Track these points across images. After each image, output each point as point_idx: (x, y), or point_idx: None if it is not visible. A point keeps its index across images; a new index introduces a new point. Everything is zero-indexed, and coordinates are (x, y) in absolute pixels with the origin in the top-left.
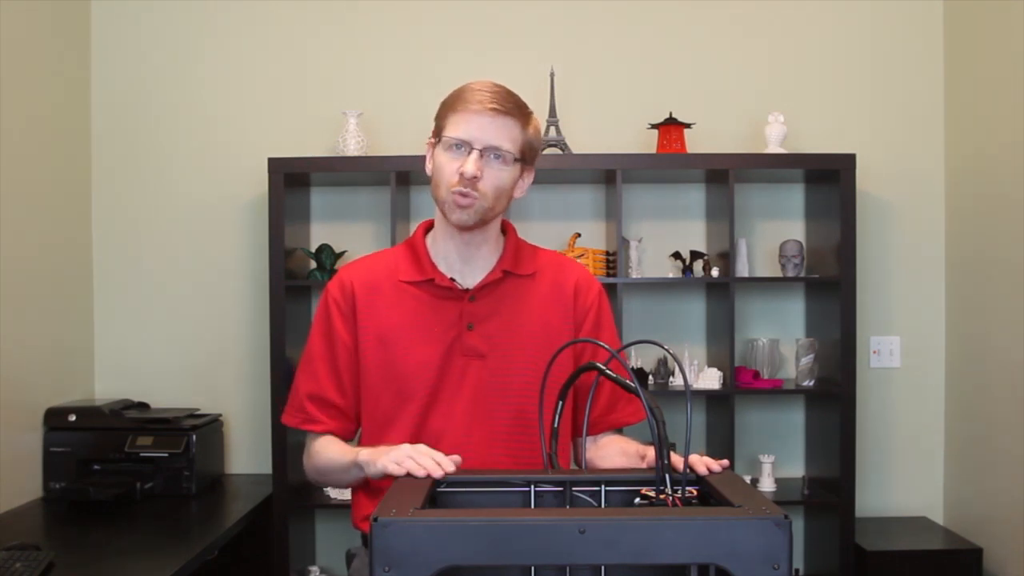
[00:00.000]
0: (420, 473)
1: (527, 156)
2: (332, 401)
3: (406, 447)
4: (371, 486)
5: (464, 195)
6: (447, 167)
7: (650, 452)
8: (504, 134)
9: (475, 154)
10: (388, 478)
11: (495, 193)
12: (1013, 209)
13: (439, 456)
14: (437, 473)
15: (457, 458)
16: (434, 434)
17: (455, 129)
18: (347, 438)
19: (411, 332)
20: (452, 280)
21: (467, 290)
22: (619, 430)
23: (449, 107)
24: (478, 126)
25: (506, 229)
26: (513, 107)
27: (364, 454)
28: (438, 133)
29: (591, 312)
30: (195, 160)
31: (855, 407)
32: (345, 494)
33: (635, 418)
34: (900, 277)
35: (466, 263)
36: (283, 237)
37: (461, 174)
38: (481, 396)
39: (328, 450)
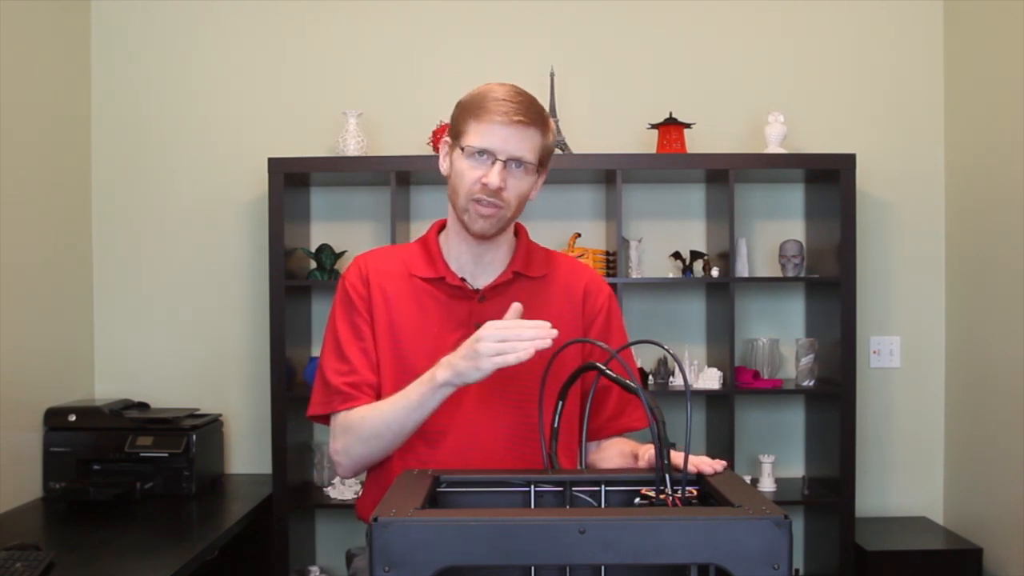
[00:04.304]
0: (527, 355)
1: (545, 162)
2: (366, 379)
3: (489, 334)
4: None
5: (488, 205)
6: (468, 175)
7: (642, 450)
8: (527, 145)
9: (498, 165)
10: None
11: (517, 202)
12: (1013, 209)
13: (525, 332)
14: (543, 344)
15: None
16: (438, 433)
17: (477, 138)
18: None
19: (420, 328)
20: (463, 280)
21: (477, 290)
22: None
23: (470, 113)
24: (502, 137)
25: (518, 231)
26: (536, 117)
27: (441, 372)
28: (456, 136)
29: (600, 315)
30: (195, 160)
31: (855, 407)
32: (345, 494)
33: (643, 423)
34: (900, 277)
35: (478, 264)
36: (283, 237)
37: (484, 184)
38: (487, 396)
39: (376, 408)
